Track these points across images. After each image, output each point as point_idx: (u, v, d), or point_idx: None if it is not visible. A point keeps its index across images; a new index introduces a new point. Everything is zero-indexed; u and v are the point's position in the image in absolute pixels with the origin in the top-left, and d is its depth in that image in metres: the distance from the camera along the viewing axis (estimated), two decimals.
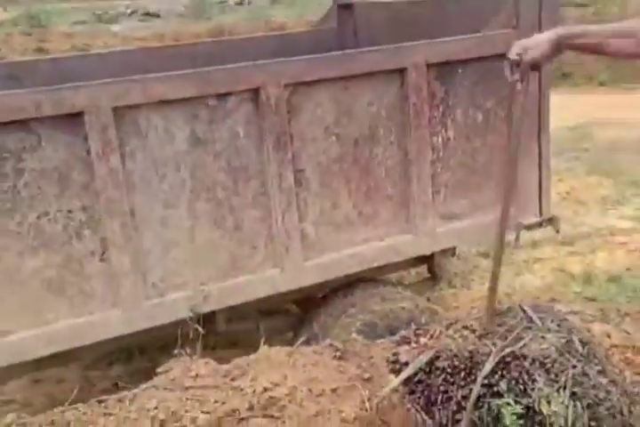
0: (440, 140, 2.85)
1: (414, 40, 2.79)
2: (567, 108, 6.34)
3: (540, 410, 1.80)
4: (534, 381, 1.83)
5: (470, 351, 1.97)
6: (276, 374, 2.07)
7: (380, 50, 2.73)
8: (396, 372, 2.05)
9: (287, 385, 2.00)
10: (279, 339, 2.98)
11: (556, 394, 1.77)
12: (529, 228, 3.11)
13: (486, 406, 1.88)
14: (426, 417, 1.91)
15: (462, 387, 1.92)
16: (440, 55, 2.75)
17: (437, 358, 2.01)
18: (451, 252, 3.41)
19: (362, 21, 4.00)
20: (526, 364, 1.88)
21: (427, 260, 3.29)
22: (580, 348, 1.94)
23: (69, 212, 2.37)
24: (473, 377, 1.90)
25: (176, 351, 2.32)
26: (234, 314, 2.89)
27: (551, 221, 3.14)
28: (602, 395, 1.83)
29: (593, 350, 1.96)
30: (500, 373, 1.90)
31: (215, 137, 2.53)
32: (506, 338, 1.97)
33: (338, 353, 2.17)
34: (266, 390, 1.99)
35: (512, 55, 1.98)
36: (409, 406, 1.94)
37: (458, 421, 1.91)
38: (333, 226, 2.80)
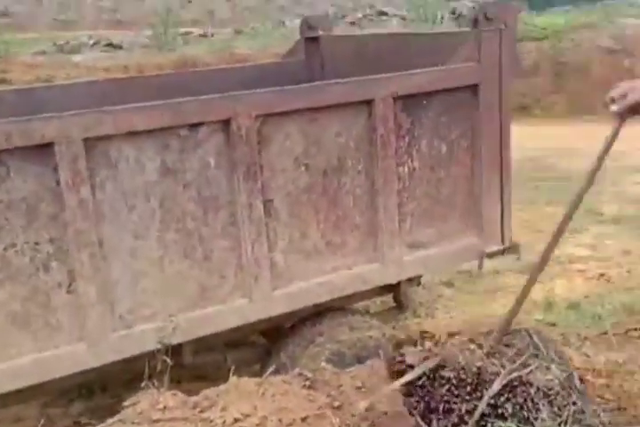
0: (406, 170, 2.91)
1: (380, 73, 2.87)
2: (526, 140, 6.51)
3: None
4: (538, 410, 1.86)
5: (478, 368, 1.97)
6: (246, 404, 2.07)
7: (349, 82, 2.80)
8: (399, 373, 2.04)
9: (257, 415, 2.00)
10: (247, 370, 2.96)
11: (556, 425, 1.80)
12: (491, 256, 3.18)
13: (490, 425, 1.90)
14: (422, 423, 1.90)
15: (467, 401, 1.92)
16: (406, 87, 2.83)
17: (443, 367, 2.02)
18: (416, 281, 3.45)
19: (328, 54, 4.08)
20: (532, 391, 1.90)
21: (393, 289, 3.33)
22: (578, 383, 1.97)
23: (37, 244, 2.35)
24: (479, 394, 1.90)
25: (143, 384, 2.30)
26: (200, 346, 2.87)
27: (513, 248, 3.23)
28: None
29: (585, 387, 1.99)
30: (506, 395, 1.91)
31: (186, 167, 2.55)
32: (514, 361, 1.98)
33: (307, 382, 2.18)
34: (236, 420, 1.99)
35: (614, 94, 1.90)
36: (406, 408, 1.93)
37: None
38: (302, 255, 2.82)
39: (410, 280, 3.26)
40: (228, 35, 12.75)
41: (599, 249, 4.96)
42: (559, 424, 1.83)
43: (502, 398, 1.91)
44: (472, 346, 2.10)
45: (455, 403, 1.95)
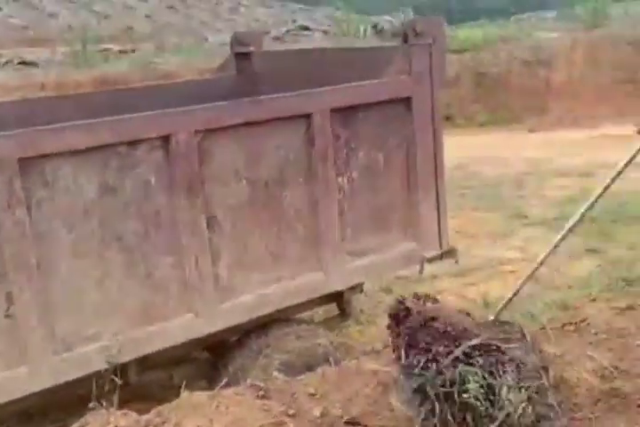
0: (345, 180, 2.98)
1: (314, 87, 2.92)
2: (451, 149, 6.74)
3: (499, 393, 1.94)
4: (505, 372, 1.97)
5: (465, 328, 2.09)
6: (200, 418, 2.07)
7: (287, 96, 2.85)
8: (396, 316, 2.19)
9: None
10: (194, 386, 2.95)
11: (517, 389, 1.89)
12: (431, 260, 3.28)
13: (459, 367, 2.01)
14: (403, 353, 2.07)
15: (445, 346, 2.05)
16: (343, 100, 2.90)
17: (434, 319, 2.14)
18: (359, 288, 3.51)
19: (260, 69, 4.12)
20: (505, 358, 2.00)
21: (337, 297, 3.38)
22: (551, 376, 2.05)
23: None
24: (457, 344, 2.03)
25: (91, 405, 2.25)
26: (145, 365, 2.84)
27: (450, 253, 3.34)
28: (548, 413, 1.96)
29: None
30: (481, 351, 2.02)
31: (125, 185, 2.53)
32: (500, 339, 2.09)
33: (260, 392, 2.19)
34: None
35: None
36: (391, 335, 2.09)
37: (426, 368, 2.05)
38: (246, 268, 2.84)
39: (353, 288, 3.32)
40: (149, 51, 12.55)
41: (528, 251, 5.16)
42: (519, 388, 1.92)
43: (477, 352, 2.03)
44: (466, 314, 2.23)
45: (433, 346, 2.09)
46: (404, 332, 2.19)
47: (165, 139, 2.56)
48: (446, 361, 2.02)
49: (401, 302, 2.29)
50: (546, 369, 1.98)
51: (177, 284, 2.69)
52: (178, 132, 2.56)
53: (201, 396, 2.19)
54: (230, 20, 16.64)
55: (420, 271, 3.26)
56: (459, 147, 8.38)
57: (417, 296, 2.34)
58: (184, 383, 2.34)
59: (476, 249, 5.34)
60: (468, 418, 1.97)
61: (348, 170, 2.98)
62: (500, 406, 1.92)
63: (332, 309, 3.70)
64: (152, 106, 2.75)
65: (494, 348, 2.00)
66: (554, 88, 10.42)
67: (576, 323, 2.73)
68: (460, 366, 1.99)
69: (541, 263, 2.08)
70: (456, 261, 3.41)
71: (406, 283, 4.78)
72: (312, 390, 2.17)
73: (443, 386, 2.00)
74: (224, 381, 2.54)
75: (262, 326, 3.06)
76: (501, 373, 1.95)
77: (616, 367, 2.39)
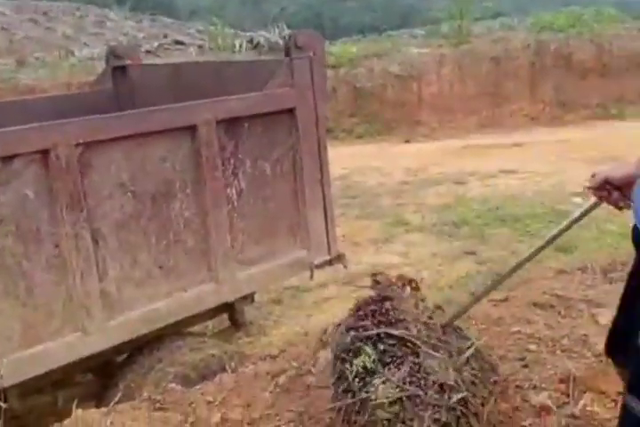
0: (234, 191, 2.99)
1: (196, 100, 2.92)
2: (332, 161, 6.93)
3: (371, 381, 1.98)
4: (399, 368, 1.98)
5: (403, 319, 2.10)
6: None
7: (170, 109, 2.83)
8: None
9: None
10: (84, 407, 2.85)
11: (394, 386, 1.94)
12: (320, 266, 3.36)
13: (356, 343, 2.06)
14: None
15: (375, 325, 2.09)
16: (227, 112, 2.92)
17: (390, 298, 2.18)
18: (250, 298, 3.52)
19: (138, 83, 4.06)
20: (421, 356, 2.01)
21: (228, 308, 3.37)
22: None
23: None
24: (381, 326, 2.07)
25: None
26: (27, 389, 2.71)
27: (339, 258, 3.43)
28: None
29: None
30: (394, 342, 2.04)
31: (1, 200, 2.42)
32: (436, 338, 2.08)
33: (157, 405, 2.16)
34: None
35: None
36: None
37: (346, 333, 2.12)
38: (135, 282, 2.78)
39: (244, 298, 3.33)
40: (10, 65, 11.90)
41: (409, 256, 5.38)
42: (397, 386, 1.94)
43: (390, 341, 2.05)
44: (422, 307, 2.22)
45: (368, 319, 2.13)
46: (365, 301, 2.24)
47: (44, 153, 2.47)
48: (358, 333, 2.08)
49: (375, 281, 2.33)
50: (452, 389, 1.97)
51: (61, 302, 2.60)
52: (57, 146, 2.48)
53: (94, 413, 2.13)
54: (96, 33, 16.08)
55: (311, 278, 3.33)
56: (340, 158, 8.63)
57: (401, 278, 2.36)
58: (75, 402, 2.26)
59: (361, 256, 5.50)
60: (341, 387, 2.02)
61: (235, 180, 3.00)
62: (364, 391, 1.96)
63: (223, 322, 3.70)
64: (26, 121, 2.64)
65: (410, 346, 2.02)
66: (425, 101, 10.94)
67: None
68: (356, 341, 2.06)
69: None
70: (345, 266, 3.51)
71: (296, 293, 4.86)
72: (210, 398, 2.16)
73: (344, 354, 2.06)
74: (117, 397, 2.47)
75: (153, 340, 3.00)
76: (393, 367, 1.98)
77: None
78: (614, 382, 2.17)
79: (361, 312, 2.16)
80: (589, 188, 1.82)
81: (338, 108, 10.49)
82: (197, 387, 2.30)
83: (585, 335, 2.63)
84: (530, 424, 2.15)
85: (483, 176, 7.62)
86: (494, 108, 10.94)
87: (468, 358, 2.07)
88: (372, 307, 2.16)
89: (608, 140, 9.03)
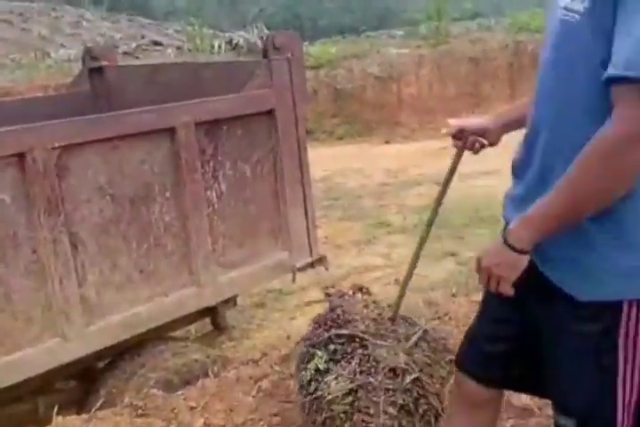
0: (214, 193, 2.97)
1: (175, 101, 2.90)
2: (313, 162, 6.95)
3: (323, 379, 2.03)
4: (350, 363, 2.04)
5: (352, 319, 2.16)
6: None
7: (148, 110, 2.80)
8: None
9: None
10: (65, 415, 2.81)
11: (346, 380, 1.98)
12: (302, 269, 3.34)
13: (308, 348, 2.14)
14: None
15: (326, 330, 2.17)
16: (206, 114, 2.90)
17: (340, 306, 2.25)
18: (233, 302, 3.50)
19: (114, 84, 4.02)
20: (358, 352, 2.06)
21: (211, 312, 3.35)
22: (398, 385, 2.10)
23: None
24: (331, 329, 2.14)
25: None
26: (5, 397, 2.67)
27: (321, 260, 3.42)
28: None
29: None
30: (344, 341, 2.09)
31: None
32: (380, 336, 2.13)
33: (139, 411, 2.13)
34: None
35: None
36: None
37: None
38: (115, 287, 2.75)
39: (226, 302, 3.31)
40: None
41: (392, 257, 5.38)
42: (350, 381, 1.99)
43: (339, 341, 2.11)
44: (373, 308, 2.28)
45: (320, 327, 2.21)
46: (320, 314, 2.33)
47: (20, 156, 2.43)
48: (311, 341, 2.15)
49: (327, 294, 2.42)
50: (405, 371, 2.03)
51: (40, 308, 2.56)
52: (34, 149, 2.44)
53: (75, 420, 2.10)
54: (73, 34, 15.89)
55: (293, 280, 3.31)
56: (321, 160, 8.64)
57: (354, 287, 2.45)
58: (56, 408, 2.23)
59: (343, 258, 5.50)
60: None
61: (215, 183, 2.97)
62: (319, 390, 2.01)
63: (205, 326, 3.67)
64: (2, 124, 2.60)
65: (358, 340, 2.08)
66: (405, 102, 10.97)
67: (440, 317, 2.91)
68: (310, 349, 2.12)
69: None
70: (326, 269, 3.50)
71: (279, 295, 4.84)
72: (193, 404, 2.14)
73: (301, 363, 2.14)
74: (99, 403, 2.44)
75: (135, 345, 2.97)
76: (344, 362, 2.04)
77: None
78: None
79: (316, 324, 2.25)
80: (446, 133, 1.93)
81: (318, 109, 10.47)
82: (179, 392, 2.27)
83: None
84: (512, 426, 2.15)
85: (462, 177, 7.57)
86: (474, 108, 10.99)
87: (417, 342, 2.14)
88: (325, 316, 2.24)
89: None
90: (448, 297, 3.56)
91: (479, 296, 3.20)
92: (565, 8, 1.36)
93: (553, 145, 1.42)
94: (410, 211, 6.50)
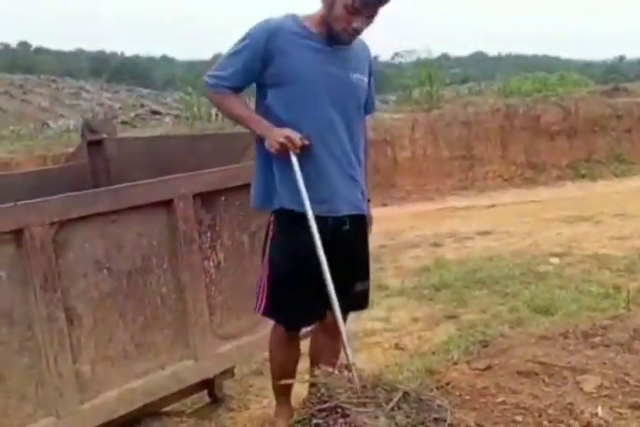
0: (212, 264, 2.97)
1: (172, 174, 2.93)
2: None
3: None
4: None
5: (332, 395, 2.25)
6: None
7: (146, 184, 2.82)
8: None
9: None
10: None
11: None
12: (303, 337, 3.27)
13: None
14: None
15: (308, 407, 2.29)
16: (203, 185, 2.93)
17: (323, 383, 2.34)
18: (230, 372, 3.44)
19: (113, 157, 4.07)
20: (351, 416, 2.16)
21: (208, 384, 3.28)
22: None
23: None
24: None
25: None
26: None
27: None
28: None
29: None
30: (328, 413, 2.20)
31: None
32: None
33: None
34: None
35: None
36: None
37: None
38: (111, 362, 2.70)
39: (224, 373, 3.25)
40: None
41: (391, 320, 5.32)
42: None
43: (324, 414, 2.21)
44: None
45: (307, 404, 2.32)
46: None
47: (18, 232, 2.43)
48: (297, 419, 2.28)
49: (313, 375, 2.47)
50: None
51: (33, 386, 2.51)
52: (31, 226, 2.44)
53: None
54: (73, 105, 16.27)
55: None
56: None
57: (341, 365, 2.52)
58: None
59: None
60: None
61: (213, 253, 2.98)
62: None
63: (203, 396, 3.58)
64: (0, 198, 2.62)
65: (339, 411, 2.17)
66: (400, 165, 11.13)
67: (441, 387, 2.85)
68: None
69: None
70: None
71: None
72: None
73: None
74: None
75: (128, 423, 2.89)
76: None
77: (481, 425, 2.50)
78: None
79: (302, 404, 2.36)
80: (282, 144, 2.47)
81: None
82: None
83: (570, 404, 2.58)
84: None
85: (459, 238, 7.67)
86: (467, 170, 11.16)
87: (398, 405, 2.23)
88: (310, 397, 2.33)
89: (580, 199, 9.20)
90: (449, 364, 3.49)
91: (481, 363, 3.16)
92: None
93: None
94: (408, 273, 6.48)
